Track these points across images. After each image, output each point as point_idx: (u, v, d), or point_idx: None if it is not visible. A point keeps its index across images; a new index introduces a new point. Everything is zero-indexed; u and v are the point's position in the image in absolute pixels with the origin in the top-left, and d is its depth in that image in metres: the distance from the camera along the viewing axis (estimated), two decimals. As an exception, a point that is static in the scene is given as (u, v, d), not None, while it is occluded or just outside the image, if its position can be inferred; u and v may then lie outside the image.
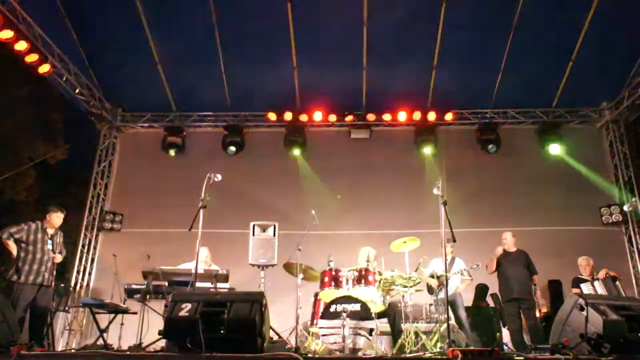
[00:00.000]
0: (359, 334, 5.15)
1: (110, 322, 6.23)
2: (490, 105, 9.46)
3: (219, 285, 6.09)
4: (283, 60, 8.60)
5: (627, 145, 9.24)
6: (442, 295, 6.27)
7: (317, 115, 9.30)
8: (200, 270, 5.70)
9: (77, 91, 8.85)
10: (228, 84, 9.08)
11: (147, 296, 6.06)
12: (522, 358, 3.78)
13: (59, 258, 6.16)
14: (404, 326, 5.71)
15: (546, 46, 8.27)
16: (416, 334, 5.60)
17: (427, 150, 9.39)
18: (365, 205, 9.18)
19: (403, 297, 6.01)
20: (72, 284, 8.72)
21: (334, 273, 5.93)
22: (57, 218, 6.22)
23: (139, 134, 10.01)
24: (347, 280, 5.88)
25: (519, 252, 6.96)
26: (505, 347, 6.74)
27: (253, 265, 6.66)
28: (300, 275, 6.06)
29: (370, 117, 9.36)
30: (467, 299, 7.52)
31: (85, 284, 8.87)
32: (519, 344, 6.47)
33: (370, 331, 5.16)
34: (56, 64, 8.16)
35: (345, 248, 7.15)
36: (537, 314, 6.73)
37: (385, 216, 8.95)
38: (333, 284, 5.86)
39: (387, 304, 6.12)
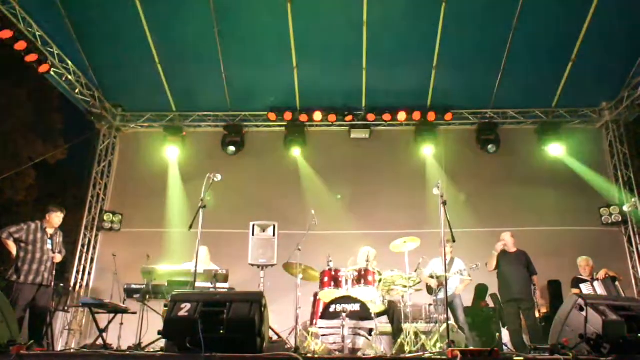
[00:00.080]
0: (359, 334, 5.14)
1: (109, 322, 6.23)
2: (490, 105, 9.47)
3: (219, 285, 6.10)
4: (283, 60, 8.59)
5: (626, 146, 9.23)
6: (441, 295, 6.27)
7: (317, 115, 9.30)
8: (200, 270, 5.70)
9: (77, 91, 8.86)
10: (228, 84, 9.08)
11: (147, 296, 6.07)
12: (521, 358, 3.78)
13: (58, 258, 6.16)
14: (403, 326, 5.71)
15: (546, 46, 8.26)
16: (416, 334, 5.61)
17: (427, 150, 9.40)
18: (365, 205, 9.18)
19: (403, 297, 6.01)
20: (72, 283, 8.72)
21: (333, 273, 5.92)
22: (56, 218, 6.22)
23: (139, 134, 10.01)
24: (346, 280, 5.87)
25: (518, 253, 6.96)
26: (504, 348, 6.74)
27: (253, 265, 6.66)
28: (300, 275, 6.06)
29: (370, 117, 9.35)
30: (467, 299, 7.53)
31: (84, 283, 8.87)
32: (519, 344, 6.47)
33: (370, 331, 5.16)
34: (56, 64, 8.17)
35: (345, 248, 7.15)
36: (537, 315, 6.73)
37: (385, 216, 8.96)
38: (333, 284, 5.86)
39: (386, 304, 6.11)
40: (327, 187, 9.27)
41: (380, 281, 5.94)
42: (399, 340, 5.59)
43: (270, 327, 5.21)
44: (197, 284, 5.42)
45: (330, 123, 9.46)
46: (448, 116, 9.29)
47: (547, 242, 8.40)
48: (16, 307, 5.46)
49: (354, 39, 8.22)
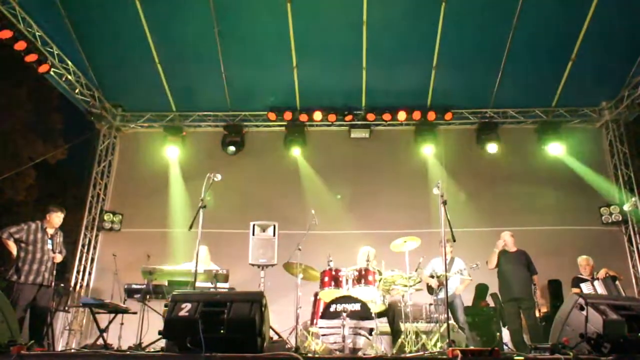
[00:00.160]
0: (359, 334, 5.15)
1: (110, 322, 6.24)
2: (490, 105, 9.46)
3: (219, 285, 6.10)
4: (283, 59, 8.59)
5: (626, 145, 9.22)
6: (442, 295, 6.27)
7: (317, 115, 9.30)
8: (200, 270, 5.70)
9: (76, 91, 8.86)
10: (228, 84, 9.07)
11: (147, 296, 6.07)
12: (522, 358, 3.78)
13: (58, 258, 6.16)
14: (403, 326, 5.71)
15: (546, 45, 8.26)
16: (416, 333, 5.61)
17: (427, 149, 9.40)
18: (365, 205, 9.18)
19: (403, 296, 6.01)
20: (72, 283, 8.72)
21: (333, 273, 5.93)
22: (57, 218, 6.23)
23: (139, 134, 10.01)
24: (347, 280, 5.88)
25: (519, 252, 6.96)
26: (505, 347, 6.75)
27: (253, 265, 6.66)
28: (300, 275, 6.06)
29: (370, 116, 9.35)
30: (467, 299, 7.53)
31: (85, 283, 8.87)
32: (519, 343, 6.47)
33: (370, 331, 5.16)
34: (56, 64, 8.17)
35: (345, 248, 7.15)
36: (537, 314, 6.73)
37: (385, 216, 8.96)
38: (333, 283, 5.86)
39: (387, 304, 6.12)
40: (327, 187, 9.28)
41: (380, 281, 5.94)
42: (400, 340, 5.59)
43: (270, 327, 5.21)
44: (198, 284, 5.42)
45: (330, 123, 9.46)
46: (448, 116, 9.29)
47: (548, 242, 8.40)
48: (17, 307, 5.47)
49: (354, 38, 8.22)
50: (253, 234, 6.75)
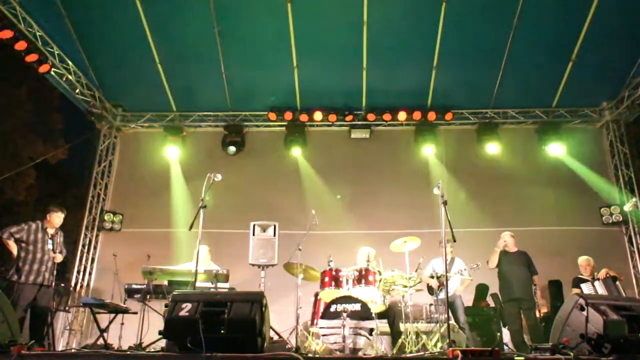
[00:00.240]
0: (359, 334, 5.15)
1: (110, 322, 6.24)
2: (490, 105, 9.46)
3: (219, 285, 6.09)
4: (283, 59, 8.59)
5: (627, 145, 9.23)
6: (442, 295, 6.27)
7: (317, 115, 9.30)
8: (200, 270, 5.70)
9: (77, 91, 8.86)
10: (228, 84, 9.08)
11: (147, 296, 6.07)
12: (522, 358, 3.78)
13: (59, 258, 6.16)
14: (403, 326, 5.71)
15: (546, 46, 8.26)
16: (416, 334, 5.61)
17: (427, 150, 9.40)
18: (365, 205, 9.18)
19: (403, 297, 6.01)
20: (73, 283, 8.72)
21: (334, 273, 5.93)
22: (57, 218, 6.23)
23: (139, 134, 10.02)
24: (347, 280, 5.88)
25: (519, 253, 6.96)
26: (505, 347, 6.75)
27: (253, 265, 6.66)
28: (301, 275, 6.06)
29: (371, 116, 9.35)
30: (468, 299, 7.53)
31: (85, 283, 8.87)
32: (520, 344, 6.47)
33: (371, 331, 5.16)
34: (56, 64, 8.18)
35: (345, 248, 7.15)
36: (537, 314, 6.73)
37: (386, 216, 8.96)
38: (333, 283, 5.86)
39: (387, 304, 6.11)
40: (327, 187, 9.28)
41: (380, 281, 5.94)
42: (400, 340, 5.59)
43: (271, 327, 5.21)
44: (198, 284, 5.42)
45: (331, 123, 9.46)
46: (448, 116, 9.29)
47: (548, 242, 8.39)
48: (17, 307, 5.47)
49: (354, 38, 8.22)
50: (253, 234, 6.76)
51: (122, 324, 6.48)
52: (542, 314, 7.11)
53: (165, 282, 6.14)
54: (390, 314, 6.21)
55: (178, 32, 8.21)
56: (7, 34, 6.91)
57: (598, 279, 6.77)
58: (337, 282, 5.86)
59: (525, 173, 9.24)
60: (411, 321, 5.83)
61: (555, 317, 4.22)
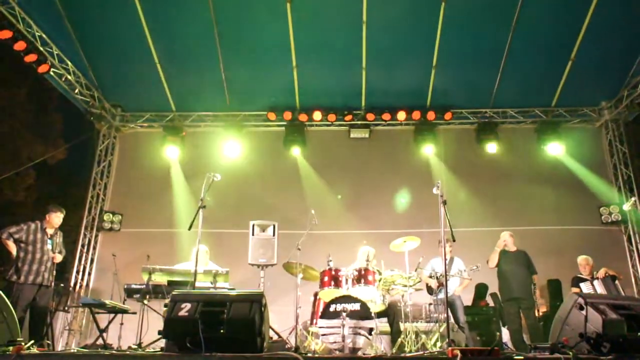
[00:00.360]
0: (359, 334, 5.15)
1: (109, 322, 6.24)
2: (490, 105, 9.47)
3: (219, 284, 6.09)
4: (282, 59, 8.59)
5: (626, 145, 9.22)
6: (441, 295, 6.27)
7: (317, 115, 9.29)
8: (199, 270, 5.70)
9: (76, 91, 8.85)
10: (227, 84, 9.07)
11: (147, 296, 6.07)
12: (521, 357, 3.78)
13: (58, 258, 6.16)
14: (403, 325, 5.71)
15: (545, 45, 8.26)
16: (416, 333, 5.61)
17: (427, 149, 9.40)
18: (364, 204, 9.19)
19: (403, 296, 6.01)
20: (72, 283, 8.71)
21: (333, 272, 5.93)
22: (56, 218, 6.23)
23: (139, 134, 10.01)
24: (346, 279, 5.88)
25: (518, 252, 6.96)
26: (504, 347, 6.75)
27: (253, 265, 6.66)
28: (300, 275, 6.07)
29: (370, 116, 9.35)
30: (467, 299, 7.53)
31: (84, 283, 8.87)
32: (519, 343, 6.47)
33: (370, 330, 5.16)
34: (55, 64, 8.17)
35: (345, 247, 7.16)
36: (536, 314, 6.73)
37: (385, 216, 8.96)
38: (333, 283, 5.86)
39: (386, 304, 6.12)
40: (326, 186, 9.28)
41: (380, 280, 5.95)
42: (399, 340, 5.59)
43: (270, 327, 5.21)
44: (197, 284, 5.42)
45: (330, 123, 9.46)
46: (447, 115, 9.29)
47: (547, 241, 8.40)
48: (16, 307, 5.45)
49: (354, 38, 8.22)
50: (253, 234, 6.76)
51: (122, 324, 6.48)
52: (541, 313, 7.11)
53: (165, 282, 6.14)
54: (390, 314, 6.21)
55: (177, 32, 8.21)
56: (6, 34, 6.89)
57: (597, 278, 6.78)
58: (336, 281, 5.87)
59: (524, 172, 9.25)
60: (410, 321, 5.84)
61: (555, 317, 4.22)
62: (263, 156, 9.65)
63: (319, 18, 8.02)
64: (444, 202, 4.79)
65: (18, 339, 3.88)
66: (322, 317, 5.38)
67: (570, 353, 3.48)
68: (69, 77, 8.50)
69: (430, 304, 6.79)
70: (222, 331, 3.58)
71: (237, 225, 8.09)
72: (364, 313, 5.28)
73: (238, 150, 9.44)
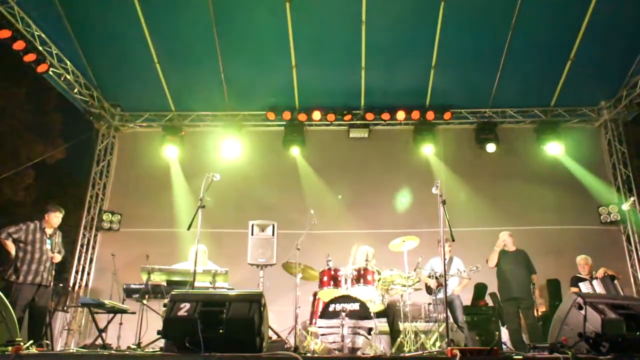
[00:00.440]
0: (358, 334, 5.15)
1: (109, 322, 6.23)
2: (489, 105, 9.47)
3: (218, 284, 6.09)
4: (282, 59, 8.59)
5: (625, 145, 9.23)
6: (440, 295, 6.28)
7: (316, 115, 9.29)
8: (198, 270, 5.69)
9: (75, 91, 8.84)
10: (226, 83, 9.06)
11: (146, 296, 6.06)
12: (520, 357, 3.78)
13: (57, 258, 6.16)
14: (402, 325, 5.72)
15: (545, 45, 8.26)
16: (415, 333, 5.62)
17: (426, 149, 9.40)
18: (364, 204, 9.18)
19: (402, 296, 6.02)
20: (71, 283, 8.71)
21: (332, 272, 5.93)
22: (55, 218, 6.22)
23: (138, 134, 10.00)
24: (346, 279, 5.88)
25: (518, 252, 6.97)
26: (504, 346, 6.75)
27: (252, 264, 6.66)
28: (299, 275, 6.07)
29: (369, 116, 9.35)
30: (466, 299, 7.53)
31: (84, 283, 8.86)
32: (518, 343, 6.48)
33: (369, 330, 5.17)
34: (54, 64, 8.16)
35: (345, 247, 7.15)
36: (536, 313, 6.74)
37: (384, 215, 8.97)
38: (332, 283, 5.87)
39: (386, 303, 6.12)
40: (326, 186, 9.28)
41: (379, 280, 5.95)
42: (399, 340, 5.59)
43: (269, 327, 5.21)
44: (196, 284, 5.42)
45: (329, 122, 9.46)
46: (447, 115, 9.29)
47: (546, 241, 8.41)
48: (15, 307, 5.45)
49: (353, 38, 8.22)
50: (252, 234, 6.75)
51: (121, 323, 6.47)
52: (540, 313, 7.11)
53: (164, 282, 6.14)
54: (389, 313, 6.22)
55: (176, 32, 8.20)
56: (5, 33, 6.89)
57: (596, 278, 6.78)
58: (335, 281, 5.87)
59: (523, 172, 9.26)
60: (410, 320, 5.83)
61: (554, 316, 4.22)
62: (262, 156, 9.65)
63: (318, 18, 8.02)
64: (443, 202, 4.79)
65: (17, 339, 3.87)
66: (321, 317, 5.38)
67: (569, 353, 3.48)
68: (68, 76, 8.49)
69: (429, 304, 6.80)
70: (221, 331, 3.57)
71: (236, 225, 8.09)
72: (363, 313, 5.29)
73: (237, 150, 9.43)
